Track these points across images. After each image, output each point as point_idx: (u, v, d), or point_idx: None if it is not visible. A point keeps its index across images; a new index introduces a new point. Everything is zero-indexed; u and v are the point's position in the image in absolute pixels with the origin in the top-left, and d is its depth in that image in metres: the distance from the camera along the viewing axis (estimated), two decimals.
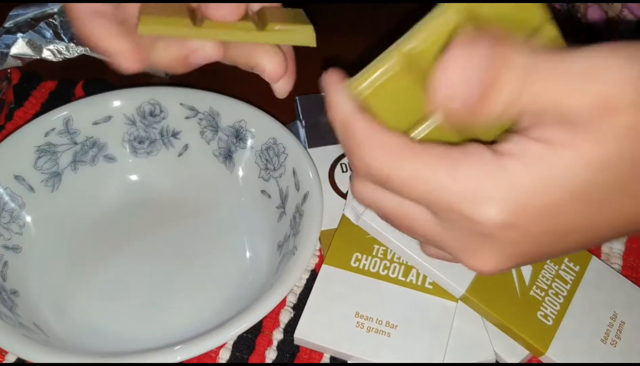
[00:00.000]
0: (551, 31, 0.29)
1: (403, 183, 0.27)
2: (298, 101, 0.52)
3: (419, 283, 0.44)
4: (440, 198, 0.27)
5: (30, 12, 0.58)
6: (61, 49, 0.56)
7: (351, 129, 0.28)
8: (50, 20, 0.57)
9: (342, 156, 0.50)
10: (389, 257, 0.45)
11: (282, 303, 0.45)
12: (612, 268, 0.46)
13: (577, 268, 0.44)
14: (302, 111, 0.51)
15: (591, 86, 0.25)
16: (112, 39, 0.35)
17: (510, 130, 0.28)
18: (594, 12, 0.53)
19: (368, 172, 0.28)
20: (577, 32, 0.54)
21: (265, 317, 0.40)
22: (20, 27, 0.57)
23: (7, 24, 0.57)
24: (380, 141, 0.28)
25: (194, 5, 0.35)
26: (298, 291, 0.46)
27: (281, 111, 0.50)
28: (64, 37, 0.56)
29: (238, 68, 0.57)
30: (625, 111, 0.25)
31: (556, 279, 0.44)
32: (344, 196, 0.48)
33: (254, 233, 0.48)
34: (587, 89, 0.25)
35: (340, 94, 0.29)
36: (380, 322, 0.42)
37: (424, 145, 0.28)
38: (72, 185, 0.49)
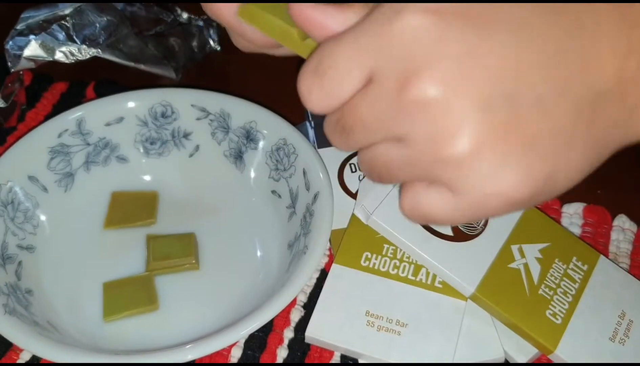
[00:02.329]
0: None
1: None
2: None
3: (429, 282, 0.44)
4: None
5: (42, 14, 0.58)
6: (73, 50, 0.57)
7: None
8: (63, 22, 0.57)
9: (351, 156, 0.50)
10: (398, 256, 0.45)
11: (293, 302, 0.45)
12: (620, 267, 0.46)
13: (585, 267, 0.45)
14: (312, 112, 0.51)
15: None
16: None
17: None
18: None
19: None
20: None
21: (276, 316, 0.40)
22: (32, 29, 0.57)
23: (19, 26, 0.57)
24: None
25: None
26: (308, 290, 0.46)
27: (291, 111, 0.50)
28: (76, 39, 0.57)
29: (248, 70, 0.58)
30: None
31: (564, 278, 0.44)
32: (353, 195, 0.48)
33: (264, 233, 0.49)
34: None
35: None
36: (390, 321, 0.43)
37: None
38: (85, 185, 0.50)
